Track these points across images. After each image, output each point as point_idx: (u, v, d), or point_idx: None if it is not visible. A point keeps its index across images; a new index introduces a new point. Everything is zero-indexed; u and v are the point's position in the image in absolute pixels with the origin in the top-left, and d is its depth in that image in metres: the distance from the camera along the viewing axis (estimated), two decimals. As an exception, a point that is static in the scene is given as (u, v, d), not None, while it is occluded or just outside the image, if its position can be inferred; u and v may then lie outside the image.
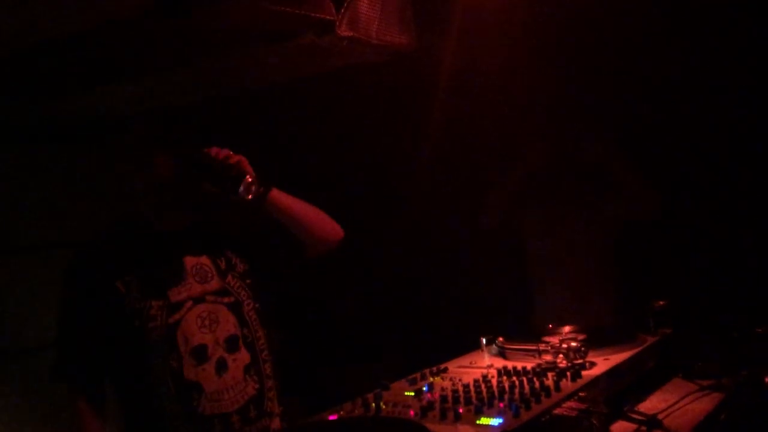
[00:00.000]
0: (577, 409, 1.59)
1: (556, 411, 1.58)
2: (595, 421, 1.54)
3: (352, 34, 2.34)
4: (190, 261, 2.13)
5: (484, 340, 2.19)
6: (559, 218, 2.96)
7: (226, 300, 2.13)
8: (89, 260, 2.11)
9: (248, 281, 2.21)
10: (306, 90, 2.88)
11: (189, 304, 2.07)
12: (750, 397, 1.93)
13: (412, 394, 1.77)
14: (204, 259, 2.16)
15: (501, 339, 2.14)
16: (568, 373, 1.76)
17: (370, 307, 3.36)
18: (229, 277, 2.18)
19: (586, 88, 2.89)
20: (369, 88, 2.72)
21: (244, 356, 2.09)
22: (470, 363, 2.06)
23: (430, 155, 2.96)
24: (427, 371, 1.97)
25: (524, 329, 2.36)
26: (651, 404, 1.90)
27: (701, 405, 1.88)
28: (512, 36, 2.68)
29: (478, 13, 2.50)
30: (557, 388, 1.67)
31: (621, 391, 1.86)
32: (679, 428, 1.72)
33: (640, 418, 1.75)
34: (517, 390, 1.69)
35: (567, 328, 2.17)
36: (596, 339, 2.02)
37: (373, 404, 1.70)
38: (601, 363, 1.88)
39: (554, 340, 1.99)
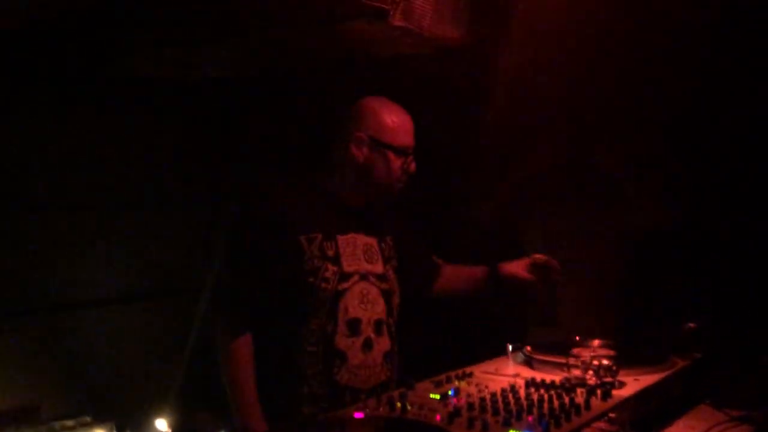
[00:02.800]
0: (607, 431, 1.57)
1: (585, 431, 1.56)
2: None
3: (404, 24, 2.34)
4: (362, 239, 2.26)
5: (510, 347, 2.16)
6: (569, 229, 2.89)
7: (383, 286, 2.26)
8: (273, 207, 2.18)
9: (399, 276, 2.35)
10: (355, 76, 2.87)
11: (356, 278, 2.19)
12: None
13: (438, 397, 1.75)
14: (372, 241, 2.30)
15: (528, 348, 2.11)
16: (599, 392, 1.73)
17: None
18: (389, 266, 2.32)
19: (619, 96, 2.82)
20: (417, 80, 2.68)
21: (385, 342, 2.23)
22: (495, 370, 2.03)
23: (473, 149, 2.92)
24: (452, 374, 1.94)
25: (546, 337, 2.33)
26: (676, 431, 1.87)
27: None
28: (564, 39, 2.62)
29: (535, 12, 2.45)
30: (587, 406, 1.64)
31: (648, 414, 1.82)
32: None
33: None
34: (546, 405, 1.66)
35: (596, 342, 2.14)
36: (626, 357, 1.99)
37: (399, 404, 1.69)
38: (631, 383, 1.84)
39: (584, 354, 1.96)
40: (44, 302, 3.03)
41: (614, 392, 1.76)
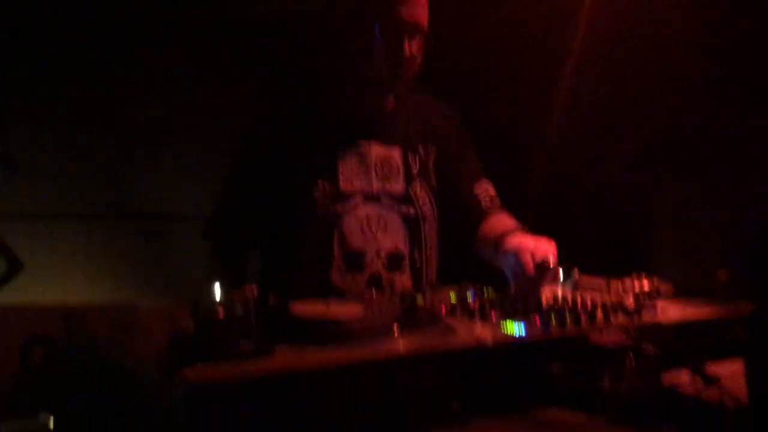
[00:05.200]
0: (619, 342, 1.45)
1: (594, 338, 1.45)
2: (632, 358, 1.39)
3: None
4: (377, 150, 1.84)
5: (561, 271, 2.05)
6: (695, 195, 2.69)
7: (404, 209, 1.84)
8: (268, 134, 1.85)
9: (438, 199, 1.91)
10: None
11: (358, 199, 1.80)
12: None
13: (453, 296, 1.69)
14: (393, 152, 1.85)
15: (576, 270, 1.99)
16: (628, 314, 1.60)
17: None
18: (418, 184, 1.87)
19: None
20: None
21: (405, 282, 1.83)
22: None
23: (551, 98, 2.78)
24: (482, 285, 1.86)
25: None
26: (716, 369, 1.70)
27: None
28: None
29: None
30: (606, 318, 1.53)
31: (684, 345, 1.67)
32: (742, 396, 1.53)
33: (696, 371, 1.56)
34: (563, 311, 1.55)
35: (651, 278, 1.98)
36: (683, 291, 1.83)
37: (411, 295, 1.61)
38: (674, 313, 1.70)
39: (630, 281, 1.83)
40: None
41: (647, 316, 1.63)
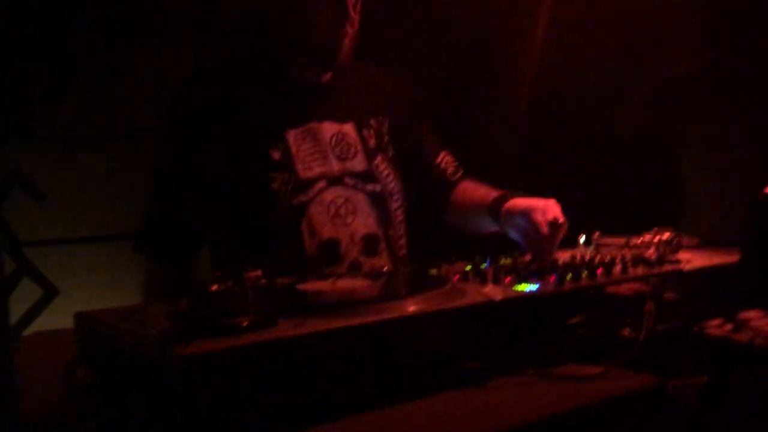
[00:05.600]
0: (637, 290, 1.41)
1: (610, 289, 1.41)
2: (651, 305, 1.34)
3: None
4: (329, 128, 1.71)
5: (582, 237, 2.01)
6: (716, 131, 2.60)
7: (370, 187, 1.73)
8: (192, 107, 1.66)
9: (400, 171, 1.81)
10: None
11: (321, 184, 1.66)
12: None
13: (469, 267, 1.66)
14: (347, 128, 1.73)
15: (597, 233, 1.95)
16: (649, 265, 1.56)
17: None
18: (379, 159, 1.76)
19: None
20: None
21: (383, 264, 1.72)
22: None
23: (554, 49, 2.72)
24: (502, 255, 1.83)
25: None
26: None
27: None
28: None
29: None
30: (624, 270, 1.48)
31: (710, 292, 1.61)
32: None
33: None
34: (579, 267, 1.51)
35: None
36: (711, 242, 1.78)
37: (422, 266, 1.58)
38: (699, 262, 1.65)
39: (651, 235, 1.78)
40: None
41: (668, 266, 1.58)
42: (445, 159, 1.96)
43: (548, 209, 1.63)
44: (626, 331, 1.32)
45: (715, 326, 1.37)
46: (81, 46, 2.93)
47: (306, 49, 1.64)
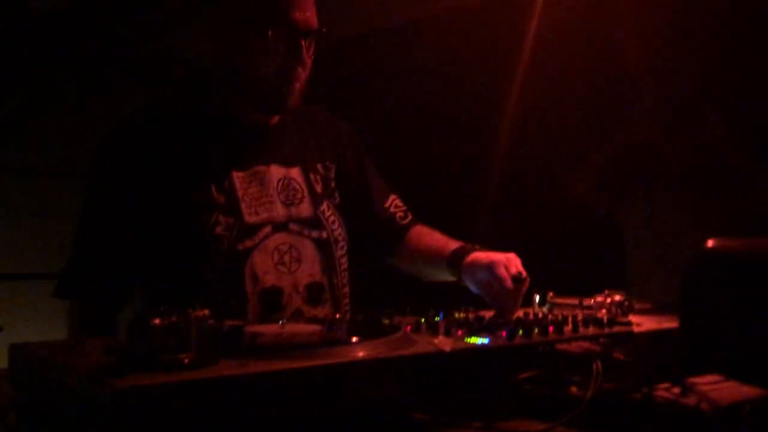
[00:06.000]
0: (587, 349, 1.41)
1: (560, 346, 1.41)
2: (599, 365, 1.34)
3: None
4: (276, 172, 1.66)
5: (537, 297, 2.02)
6: (667, 209, 2.67)
7: (315, 234, 1.68)
8: (137, 148, 1.57)
9: (345, 218, 1.77)
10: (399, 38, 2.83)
11: (267, 230, 1.61)
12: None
13: (423, 320, 1.64)
14: (293, 173, 1.69)
15: (551, 293, 1.96)
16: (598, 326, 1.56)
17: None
18: (325, 205, 1.72)
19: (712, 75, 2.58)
20: (462, 37, 2.61)
21: (327, 313, 1.68)
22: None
23: (517, 113, 2.78)
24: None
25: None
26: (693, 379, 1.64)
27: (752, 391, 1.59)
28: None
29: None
30: (575, 329, 1.48)
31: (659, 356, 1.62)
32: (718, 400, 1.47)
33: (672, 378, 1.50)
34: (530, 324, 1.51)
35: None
36: (663, 308, 1.80)
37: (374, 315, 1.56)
38: (648, 325, 1.66)
39: (603, 297, 1.80)
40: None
41: (618, 328, 1.58)
42: (394, 203, 1.94)
43: (510, 263, 1.64)
44: (573, 389, 1.31)
45: (663, 389, 1.37)
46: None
47: (255, 92, 1.59)
